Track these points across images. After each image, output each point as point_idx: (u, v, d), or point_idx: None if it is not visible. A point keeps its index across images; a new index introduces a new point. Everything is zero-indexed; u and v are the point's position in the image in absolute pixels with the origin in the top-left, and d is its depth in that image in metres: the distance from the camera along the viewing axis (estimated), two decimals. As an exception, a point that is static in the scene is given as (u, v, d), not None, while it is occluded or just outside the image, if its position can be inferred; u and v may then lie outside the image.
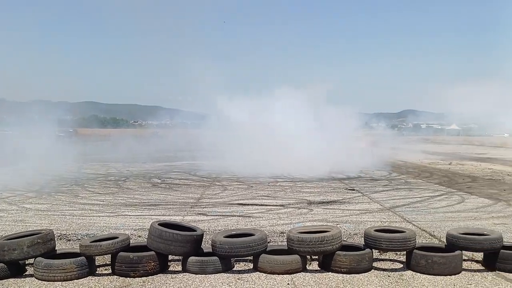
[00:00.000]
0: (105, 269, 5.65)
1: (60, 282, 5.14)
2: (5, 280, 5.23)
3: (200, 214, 9.43)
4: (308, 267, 5.65)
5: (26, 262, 5.67)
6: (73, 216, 9.26)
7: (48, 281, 5.17)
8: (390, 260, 5.99)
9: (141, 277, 5.28)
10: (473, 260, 5.93)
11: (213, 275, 5.37)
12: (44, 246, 5.40)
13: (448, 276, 5.25)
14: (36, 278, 5.26)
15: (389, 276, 5.34)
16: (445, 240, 5.90)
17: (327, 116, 25.41)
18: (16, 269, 5.41)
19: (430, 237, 7.19)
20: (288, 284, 5.07)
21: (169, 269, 5.64)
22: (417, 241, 5.78)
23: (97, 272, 5.56)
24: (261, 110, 23.80)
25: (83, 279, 5.27)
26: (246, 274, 5.44)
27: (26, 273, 5.53)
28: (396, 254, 6.09)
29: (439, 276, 5.25)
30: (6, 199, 11.51)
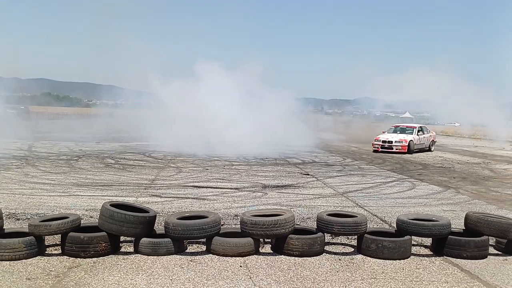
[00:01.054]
0: (55, 249, 5.51)
1: (8, 262, 4.98)
2: None
3: (154, 195, 9.31)
4: (261, 250, 5.71)
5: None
6: (22, 195, 8.93)
7: (-5, 260, 4.99)
8: (342, 244, 6.14)
9: (91, 257, 5.17)
10: (422, 245, 6.17)
11: (165, 256, 5.33)
12: (-9, 224, 5.19)
13: (397, 261, 5.43)
14: (-18, 257, 5.06)
15: (340, 259, 5.48)
16: (395, 226, 6.10)
17: (264, 98, 26.85)
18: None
19: (381, 222, 7.42)
20: (241, 266, 5.11)
21: (120, 250, 5.55)
22: (368, 225, 5.96)
23: (46, 252, 5.41)
24: (192, 91, 24.66)
25: (31, 258, 5.13)
26: (199, 256, 5.43)
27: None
28: (348, 238, 6.26)
29: (389, 260, 5.43)
30: (-52, 176, 10.95)
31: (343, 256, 5.61)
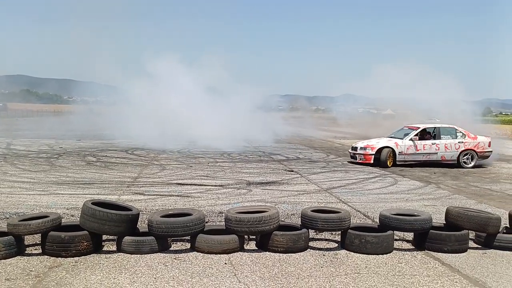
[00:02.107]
0: (35, 249, 5.41)
1: (-15, 262, 4.86)
2: None
3: (137, 193, 9.22)
4: (246, 247, 5.70)
5: None
6: (1, 194, 8.75)
7: (-28, 260, 4.88)
8: (326, 239, 6.17)
9: (73, 257, 5.09)
10: (404, 240, 6.24)
11: (149, 255, 5.28)
12: (-33, 224, 5.07)
13: (380, 255, 5.48)
14: (-40, 258, 4.94)
15: (324, 255, 5.50)
16: (378, 221, 6.15)
17: (232, 94, 28.03)
18: None
19: (364, 217, 7.48)
20: (226, 263, 5.09)
21: (103, 249, 5.47)
22: (351, 221, 5.99)
23: (26, 252, 5.31)
24: (161, 88, 25.63)
25: (11, 259, 5.02)
26: (183, 254, 5.40)
27: None
28: (332, 233, 6.29)
29: (372, 255, 5.47)
30: None
31: (327, 252, 5.63)
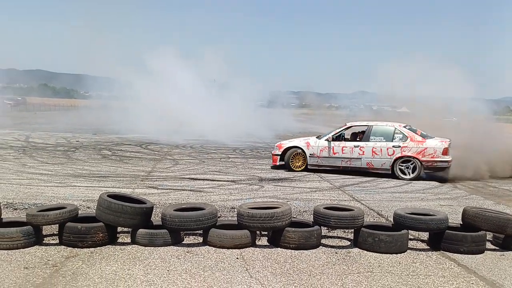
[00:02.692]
0: (53, 239, 5.51)
1: (6, 251, 4.98)
2: None
3: (150, 187, 9.31)
4: (258, 242, 5.72)
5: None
6: (20, 185, 8.92)
7: (-7, 249, 5.00)
8: (338, 237, 6.16)
9: (89, 248, 5.18)
10: (418, 240, 6.17)
11: (162, 247, 5.34)
12: (-11, 214, 5.20)
13: (394, 254, 5.44)
14: (-19, 247, 5.07)
15: (336, 252, 5.50)
16: (392, 220, 6.12)
17: (243, 90, 28.32)
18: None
19: (378, 216, 7.44)
20: (237, 258, 5.12)
21: (118, 241, 5.56)
22: (365, 219, 5.97)
23: (44, 241, 5.41)
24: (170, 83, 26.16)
25: (29, 248, 5.13)
26: (196, 247, 5.44)
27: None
28: (344, 231, 6.27)
29: (385, 254, 5.44)
30: None
31: (340, 250, 5.62)
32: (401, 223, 5.75)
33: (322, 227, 5.82)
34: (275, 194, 8.98)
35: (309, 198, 8.74)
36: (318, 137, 12.72)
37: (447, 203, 8.75)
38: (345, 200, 8.56)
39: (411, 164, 11.53)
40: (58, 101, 74.90)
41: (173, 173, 11.35)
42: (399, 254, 5.48)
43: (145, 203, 5.66)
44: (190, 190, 9.10)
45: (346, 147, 12.17)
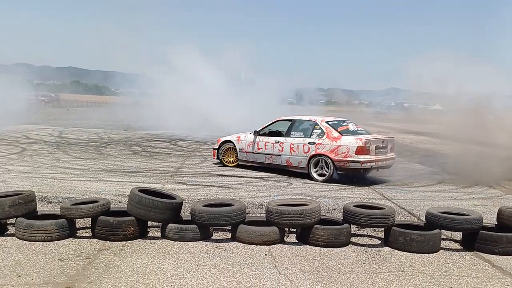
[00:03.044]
0: (85, 232, 5.64)
1: (41, 243, 5.13)
2: (-13, 239, 5.21)
3: (179, 183, 9.41)
4: (286, 239, 5.70)
5: (8, 222, 5.65)
6: (54, 179, 9.16)
7: (29, 241, 5.17)
8: (368, 236, 6.08)
9: (120, 241, 5.28)
10: (451, 240, 6.03)
11: (191, 242, 5.39)
12: (25, 206, 5.37)
13: (426, 254, 5.33)
14: (18, 238, 5.25)
15: (366, 251, 5.42)
16: (424, 219, 6.00)
17: (259, 85, 28.54)
18: (-2, 228, 5.38)
19: (409, 215, 7.30)
20: (266, 254, 5.12)
21: (148, 235, 5.64)
22: (396, 218, 5.87)
23: (77, 234, 5.55)
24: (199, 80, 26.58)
25: (63, 240, 5.27)
26: (224, 243, 5.47)
27: (8, 232, 5.51)
28: (374, 230, 6.18)
29: (417, 254, 5.33)
30: (-15, 160, 11.34)
31: (370, 248, 5.55)
32: (433, 222, 5.62)
33: (351, 225, 5.75)
34: (303, 192, 8.93)
35: (338, 196, 8.65)
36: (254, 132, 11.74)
37: (481, 203, 8.51)
38: (375, 199, 8.43)
39: (324, 164, 10.21)
40: (90, 98, 76.58)
41: (202, 169, 11.44)
42: (431, 254, 5.36)
43: (175, 198, 5.73)
44: (219, 186, 9.15)
45: (268, 142, 11.23)
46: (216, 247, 5.30)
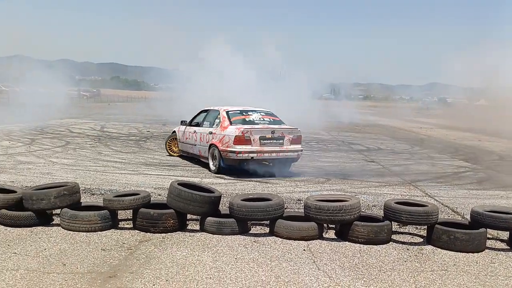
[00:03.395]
0: (127, 224, 5.77)
1: (84, 233, 5.29)
2: (34, 227, 5.43)
3: (217, 177, 9.47)
4: (325, 235, 5.64)
5: (53, 212, 5.85)
6: (96, 171, 9.43)
7: (73, 231, 5.33)
8: (410, 233, 5.92)
9: (160, 233, 5.37)
10: (497, 239, 5.79)
11: (229, 236, 5.41)
12: (70, 197, 5.55)
13: (471, 254, 5.15)
14: (62, 228, 5.43)
15: (408, 249, 5.29)
16: (468, 217, 5.79)
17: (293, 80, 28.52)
18: (44, 218, 5.59)
19: (453, 213, 7.07)
20: (304, 250, 5.08)
21: (187, 228, 5.71)
22: (439, 216, 5.69)
23: (119, 225, 5.68)
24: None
25: (106, 231, 5.40)
26: (262, 237, 5.46)
27: (53, 222, 5.71)
28: (416, 228, 6.02)
29: (461, 253, 5.15)
30: (34, 153, 11.82)
31: (412, 246, 5.40)
32: (478, 221, 5.41)
33: (392, 222, 5.62)
34: (342, 188, 8.81)
35: (378, 192, 8.49)
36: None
37: (530, 202, 8.14)
38: (417, 196, 8.20)
39: (217, 154, 9.88)
40: (130, 93, 78.32)
41: (239, 164, 11.46)
42: (476, 254, 5.17)
43: (213, 192, 5.76)
44: (256, 181, 9.15)
45: (190, 132, 11.33)
46: (254, 241, 5.30)
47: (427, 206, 5.61)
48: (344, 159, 13.23)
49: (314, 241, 5.38)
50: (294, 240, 5.35)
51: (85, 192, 7.25)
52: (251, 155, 9.48)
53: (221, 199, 5.91)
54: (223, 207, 6.03)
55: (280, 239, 5.39)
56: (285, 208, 6.12)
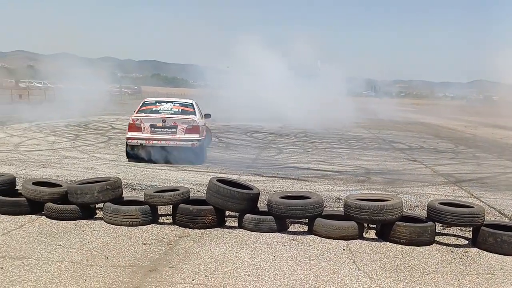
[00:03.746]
0: (166, 219, 5.85)
1: (126, 227, 5.40)
2: (78, 221, 5.59)
3: (256, 174, 9.47)
4: (365, 235, 5.53)
5: (96, 206, 6.01)
6: (137, 167, 9.62)
7: (115, 224, 5.46)
8: (454, 235, 5.72)
9: (199, 229, 5.41)
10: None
11: (268, 233, 5.39)
12: (112, 192, 5.69)
13: (518, 257, 4.93)
14: (105, 221, 5.57)
15: (452, 251, 5.11)
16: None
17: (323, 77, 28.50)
18: (87, 212, 5.76)
19: (500, 215, 6.79)
20: (344, 249, 4.99)
21: (225, 224, 5.73)
22: (485, 218, 5.46)
23: (159, 220, 5.76)
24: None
25: (146, 226, 5.50)
26: (301, 236, 5.41)
27: (96, 216, 5.86)
28: (461, 229, 5.81)
29: (509, 256, 4.94)
30: (78, 148, 12.21)
31: (456, 248, 5.22)
32: (528, 223, 5.16)
33: (436, 223, 5.44)
34: (383, 187, 8.62)
35: (421, 192, 8.25)
36: None
37: None
38: (461, 197, 7.91)
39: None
40: (169, 90, 79.55)
41: (277, 161, 11.45)
42: (525, 258, 4.93)
43: (252, 189, 5.76)
44: (294, 179, 9.09)
45: None
46: (293, 239, 5.26)
47: (473, 207, 5.40)
48: (385, 157, 12.94)
49: (354, 241, 5.29)
50: (333, 239, 5.28)
51: (126, 187, 7.40)
52: (140, 141, 10.13)
53: (260, 196, 5.89)
54: (262, 204, 6.01)
55: (319, 238, 5.33)
56: (324, 207, 6.05)
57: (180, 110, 10.92)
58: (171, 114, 10.65)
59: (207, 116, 11.90)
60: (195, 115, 10.73)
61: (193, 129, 10.25)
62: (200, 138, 10.34)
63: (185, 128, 10.19)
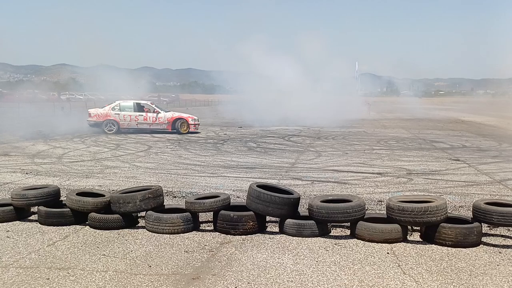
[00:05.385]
0: (208, 226, 5.93)
1: (168, 235, 5.51)
2: (121, 230, 5.74)
3: (295, 178, 9.46)
4: (409, 238, 5.43)
5: (138, 215, 6.15)
6: (177, 175, 9.80)
7: (157, 233, 5.57)
8: (502, 236, 5.53)
9: (240, 235, 5.46)
10: None
11: (309, 238, 5.37)
12: (154, 200, 5.81)
13: None
14: (147, 230, 5.69)
15: (500, 252, 4.94)
16: None
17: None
18: (130, 221, 5.90)
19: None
20: (388, 253, 4.92)
21: (266, 230, 5.75)
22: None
23: (200, 228, 5.85)
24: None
25: (188, 233, 5.59)
26: (343, 240, 5.37)
27: (138, 225, 6.00)
28: (509, 230, 5.61)
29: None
30: (120, 157, 12.55)
31: (504, 249, 5.04)
32: None
33: (482, 224, 5.28)
34: (425, 188, 8.42)
35: (465, 192, 8.01)
36: None
37: None
38: (508, 196, 7.64)
39: None
40: (207, 97, 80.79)
41: (317, 165, 11.38)
42: None
43: (292, 194, 5.76)
44: (335, 182, 9.02)
45: None
46: (335, 244, 5.22)
47: (522, 206, 5.20)
48: (427, 157, 12.63)
49: (398, 244, 5.20)
50: (377, 242, 5.21)
51: (167, 195, 7.56)
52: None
53: (300, 201, 5.89)
54: (302, 209, 6.01)
55: (362, 242, 5.27)
56: (366, 210, 5.97)
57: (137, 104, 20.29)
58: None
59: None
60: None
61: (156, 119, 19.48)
62: None
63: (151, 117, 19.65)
